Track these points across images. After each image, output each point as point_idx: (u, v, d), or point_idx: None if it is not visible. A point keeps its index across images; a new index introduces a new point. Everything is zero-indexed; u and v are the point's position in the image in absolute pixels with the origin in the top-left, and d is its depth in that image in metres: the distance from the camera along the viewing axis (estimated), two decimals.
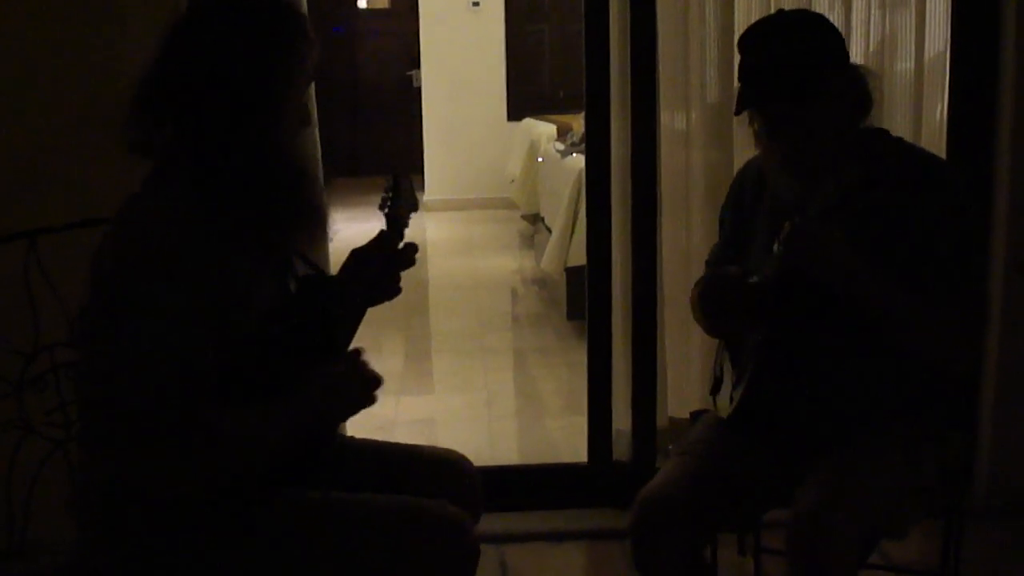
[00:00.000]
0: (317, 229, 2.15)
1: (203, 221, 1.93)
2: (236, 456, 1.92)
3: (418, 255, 2.30)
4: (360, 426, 2.50)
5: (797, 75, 2.20)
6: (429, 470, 2.30)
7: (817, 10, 3.51)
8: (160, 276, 1.86)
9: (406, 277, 2.33)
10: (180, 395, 1.84)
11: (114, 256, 1.91)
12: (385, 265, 2.26)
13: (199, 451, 1.87)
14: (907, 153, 2.28)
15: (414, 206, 2.30)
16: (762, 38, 2.26)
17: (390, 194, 2.25)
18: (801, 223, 2.17)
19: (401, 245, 2.26)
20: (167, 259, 1.87)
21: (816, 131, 2.23)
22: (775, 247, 2.20)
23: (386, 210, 2.24)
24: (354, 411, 2.08)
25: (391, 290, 2.30)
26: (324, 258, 2.98)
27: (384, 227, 2.25)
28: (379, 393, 2.05)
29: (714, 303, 2.38)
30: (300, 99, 2.06)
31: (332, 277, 2.31)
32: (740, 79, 2.27)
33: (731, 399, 2.38)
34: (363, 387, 2.04)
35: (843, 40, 2.30)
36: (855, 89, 2.26)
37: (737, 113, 2.27)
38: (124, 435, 1.86)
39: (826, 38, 2.26)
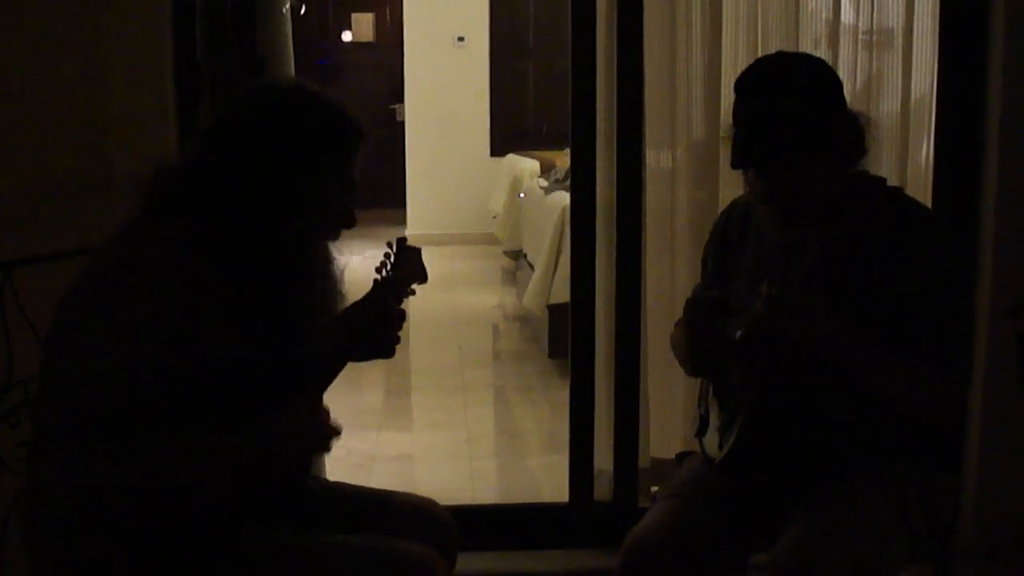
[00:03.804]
0: (321, 317, 2.14)
1: (206, 262, 1.92)
2: (183, 469, 1.87)
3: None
4: (339, 462, 2.48)
5: (801, 130, 2.15)
6: (403, 515, 2.28)
7: (803, 50, 3.51)
8: (150, 291, 1.85)
9: None
10: (142, 403, 1.82)
11: (114, 264, 1.91)
12: (374, 324, 2.21)
13: (150, 458, 1.83)
14: (900, 205, 2.26)
15: (423, 277, 2.26)
16: (763, 84, 2.21)
17: (390, 260, 2.21)
18: (781, 291, 2.12)
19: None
20: (161, 278, 1.86)
21: (814, 181, 2.20)
22: (763, 289, 2.17)
23: (383, 274, 2.20)
24: (307, 452, 2.07)
25: (382, 350, 2.25)
26: None
27: (380, 285, 2.21)
28: (333, 444, 2.05)
29: (696, 325, 2.37)
30: (342, 201, 2.07)
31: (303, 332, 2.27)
32: (737, 124, 2.22)
33: (720, 443, 2.35)
34: (318, 436, 2.03)
35: (841, 85, 2.25)
36: (853, 137, 2.23)
37: (735, 166, 2.23)
38: (81, 437, 1.82)
39: (828, 86, 2.22)
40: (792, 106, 2.16)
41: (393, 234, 2.45)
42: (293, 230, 2.00)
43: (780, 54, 2.30)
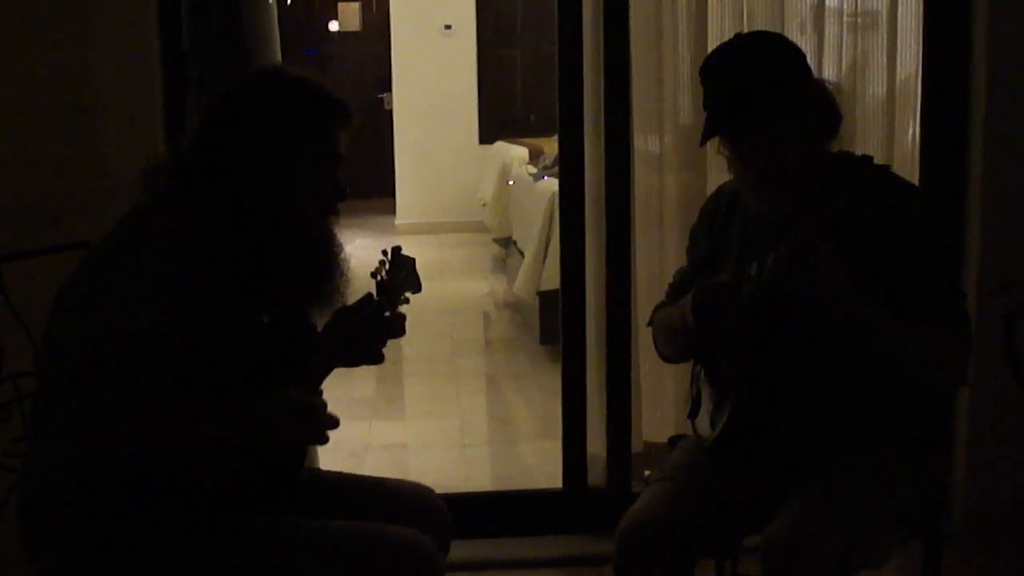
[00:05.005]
0: (325, 304, 2.19)
1: (216, 234, 1.97)
2: (184, 435, 1.88)
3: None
4: (331, 452, 2.48)
5: (759, 98, 2.19)
6: (396, 502, 2.28)
7: (788, 33, 3.52)
8: (167, 256, 1.90)
9: None
10: (153, 364, 1.83)
11: (129, 234, 1.97)
12: (366, 328, 2.23)
13: (154, 421, 1.84)
14: (889, 182, 2.27)
15: (417, 286, 2.28)
16: (721, 65, 2.27)
17: (386, 266, 2.23)
18: (797, 245, 2.14)
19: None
20: (177, 245, 1.92)
21: (785, 147, 2.22)
22: (752, 270, 2.18)
23: (379, 278, 2.22)
24: (300, 440, 2.07)
25: (371, 355, 2.27)
26: None
27: (374, 293, 2.23)
28: (329, 433, 2.05)
29: (707, 311, 2.32)
30: (329, 174, 2.13)
31: (308, 322, 2.28)
32: (705, 108, 2.27)
33: (712, 425, 2.36)
34: (317, 417, 2.04)
35: (803, 55, 2.29)
36: (820, 102, 2.26)
37: (702, 144, 2.27)
38: (87, 399, 1.81)
39: (784, 55, 2.26)
40: (744, 74, 2.21)
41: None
42: (287, 201, 2.07)
43: (736, 35, 2.34)
